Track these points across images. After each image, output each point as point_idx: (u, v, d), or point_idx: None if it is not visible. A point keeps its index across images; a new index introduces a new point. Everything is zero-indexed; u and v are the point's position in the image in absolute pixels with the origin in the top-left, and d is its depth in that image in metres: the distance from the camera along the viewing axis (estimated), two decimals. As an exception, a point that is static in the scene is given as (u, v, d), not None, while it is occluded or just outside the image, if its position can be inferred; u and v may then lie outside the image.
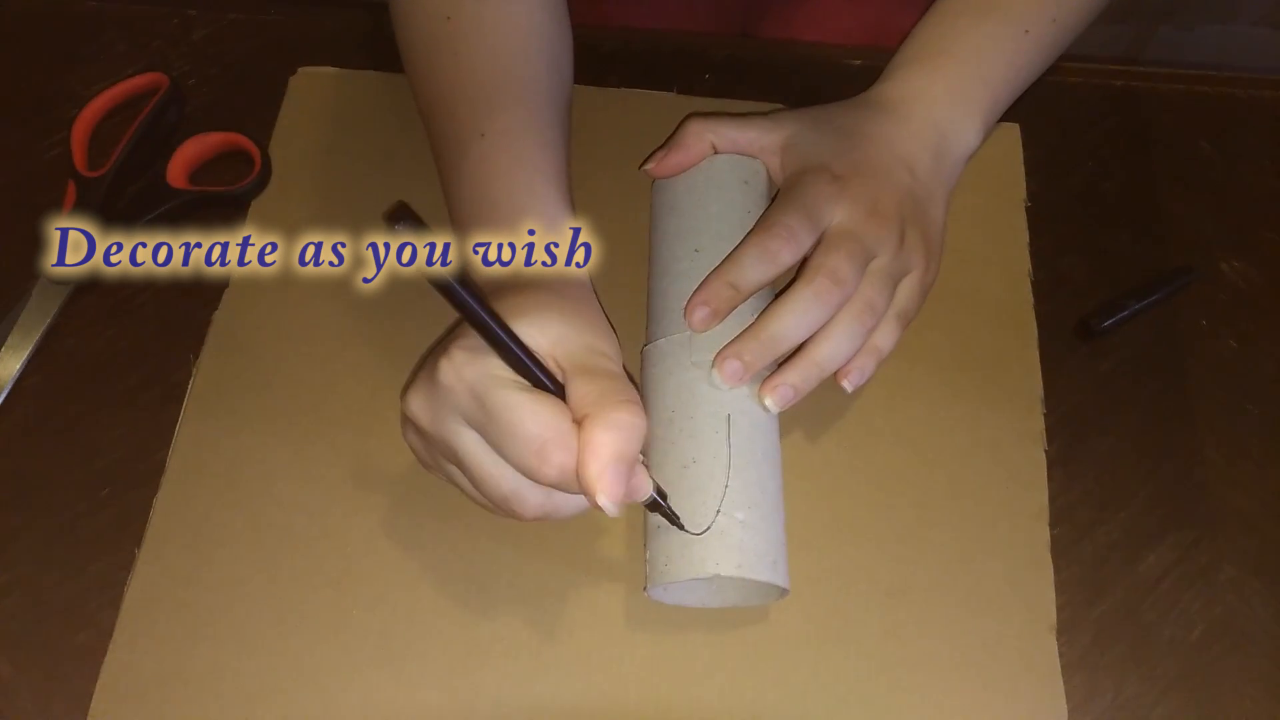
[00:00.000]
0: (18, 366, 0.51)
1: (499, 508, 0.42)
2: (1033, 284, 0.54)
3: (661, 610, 0.46)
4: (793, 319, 0.44)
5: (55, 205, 0.54)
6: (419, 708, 0.44)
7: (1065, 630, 0.46)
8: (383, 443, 0.49)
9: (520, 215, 0.46)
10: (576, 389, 0.39)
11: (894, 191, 0.47)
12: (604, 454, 0.37)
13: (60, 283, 0.52)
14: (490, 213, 0.47)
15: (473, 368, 0.39)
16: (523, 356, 0.38)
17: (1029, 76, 0.54)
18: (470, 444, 0.40)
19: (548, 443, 0.37)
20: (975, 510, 0.49)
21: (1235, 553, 0.48)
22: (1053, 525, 0.48)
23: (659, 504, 0.42)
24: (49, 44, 0.61)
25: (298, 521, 0.48)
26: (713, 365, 0.44)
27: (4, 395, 0.50)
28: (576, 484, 0.38)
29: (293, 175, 0.57)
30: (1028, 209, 0.57)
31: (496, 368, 0.39)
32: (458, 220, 0.49)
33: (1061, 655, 0.46)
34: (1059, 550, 0.48)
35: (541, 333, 0.40)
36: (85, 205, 0.54)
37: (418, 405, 0.41)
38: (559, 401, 0.39)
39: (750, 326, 0.45)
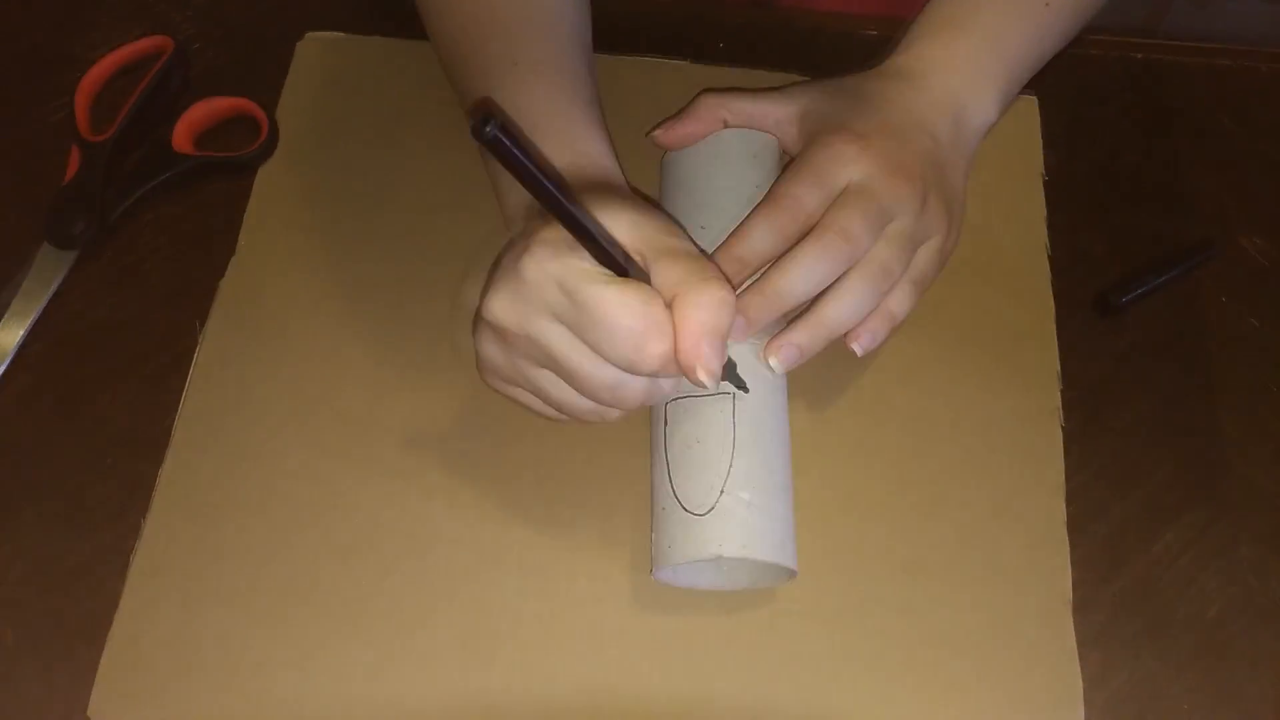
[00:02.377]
0: (21, 334, 0.50)
1: (600, 400, 0.41)
2: (1050, 259, 0.54)
3: (671, 591, 0.45)
4: (799, 273, 0.43)
5: (58, 170, 0.53)
6: (428, 680, 0.44)
7: (1081, 607, 0.46)
8: (392, 412, 0.49)
9: (560, 138, 0.46)
10: (662, 271, 0.39)
11: (917, 153, 0.46)
12: (697, 330, 0.37)
13: (64, 249, 0.52)
14: (533, 133, 0.46)
15: (557, 262, 0.38)
16: (605, 244, 0.37)
17: (1049, 49, 0.53)
18: (563, 340, 0.39)
19: (645, 333, 0.37)
20: (991, 486, 0.48)
21: (1254, 531, 0.48)
22: (1069, 502, 0.48)
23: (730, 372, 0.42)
24: (52, 6, 0.60)
25: (305, 491, 0.47)
26: None
27: (7, 363, 0.49)
28: (675, 368, 0.38)
29: (300, 142, 0.56)
30: (1045, 183, 0.56)
31: (580, 260, 0.38)
32: None
33: (1077, 632, 0.45)
34: (1075, 527, 0.47)
35: (616, 221, 0.39)
36: (89, 170, 0.53)
37: (501, 306, 0.39)
38: (648, 288, 0.38)
39: (755, 282, 0.44)
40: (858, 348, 0.45)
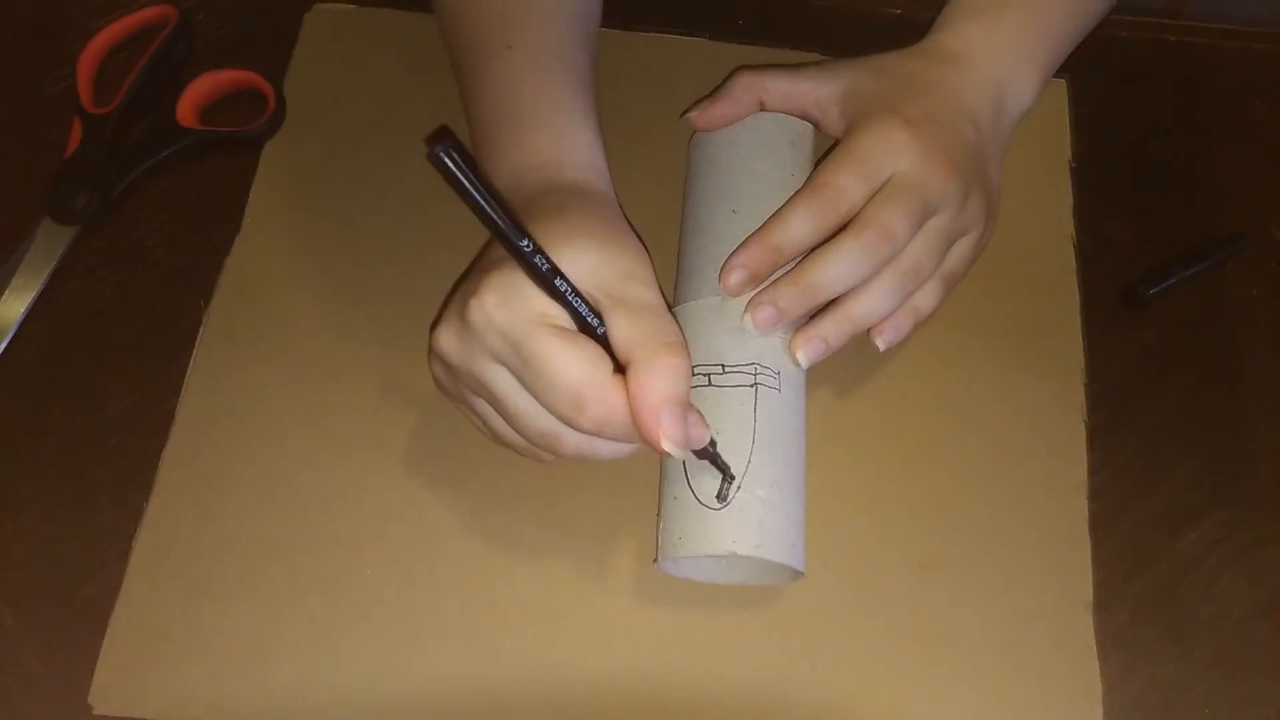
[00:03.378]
0: (22, 310, 0.49)
1: (534, 444, 0.40)
2: (1076, 248, 0.52)
3: (682, 584, 0.44)
4: (835, 269, 0.42)
5: (60, 143, 0.52)
6: (434, 670, 0.43)
7: (1101, 607, 0.45)
8: (399, 396, 0.48)
9: (547, 130, 0.44)
10: (619, 329, 0.38)
11: (962, 144, 0.45)
12: (655, 400, 0.36)
13: (66, 225, 0.50)
14: (515, 124, 0.45)
15: (505, 310, 0.37)
16: (569, 296, 0.37)
17: (1085, 29, 0.51)
18: (504, 384, 0.39)
19: (584, 394, 0.36)
20: (1011, 482, 0.47)
21: (1280, 532, 0.47)
22: (1091, 499, 0.47)
23: (711, 452, 0.40)
24: (53, -27, 0.59)
25: (311, 476, 0.46)
26: (745, 310, 0.42)
27: (8, 341, 0.48)
28: (614, 432, 0.37)
29: (308, 116, 0.54)
30: (1073, 169, 0.54)
31: (529, 309, 0.37)
32: (479, 134, 0.47)
33: (1097, 633, 0.44)
34: (1097, 525, 0.46)
35: (575, 263, 0.38)
36: (91, 143, 0.52)
37: (449, 341, 0.39)
38: (594, 347, 0.37)
39: (789, 272, 0.43)
40: (881, 342, 0.44)
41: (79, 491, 0.46)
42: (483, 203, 0.33)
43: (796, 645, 0.44)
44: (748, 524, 0.40)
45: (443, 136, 0.31)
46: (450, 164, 0.32)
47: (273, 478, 0.46)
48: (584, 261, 0.38)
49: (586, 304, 0.37)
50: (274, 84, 0.54)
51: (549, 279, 0.36)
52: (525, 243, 0.35)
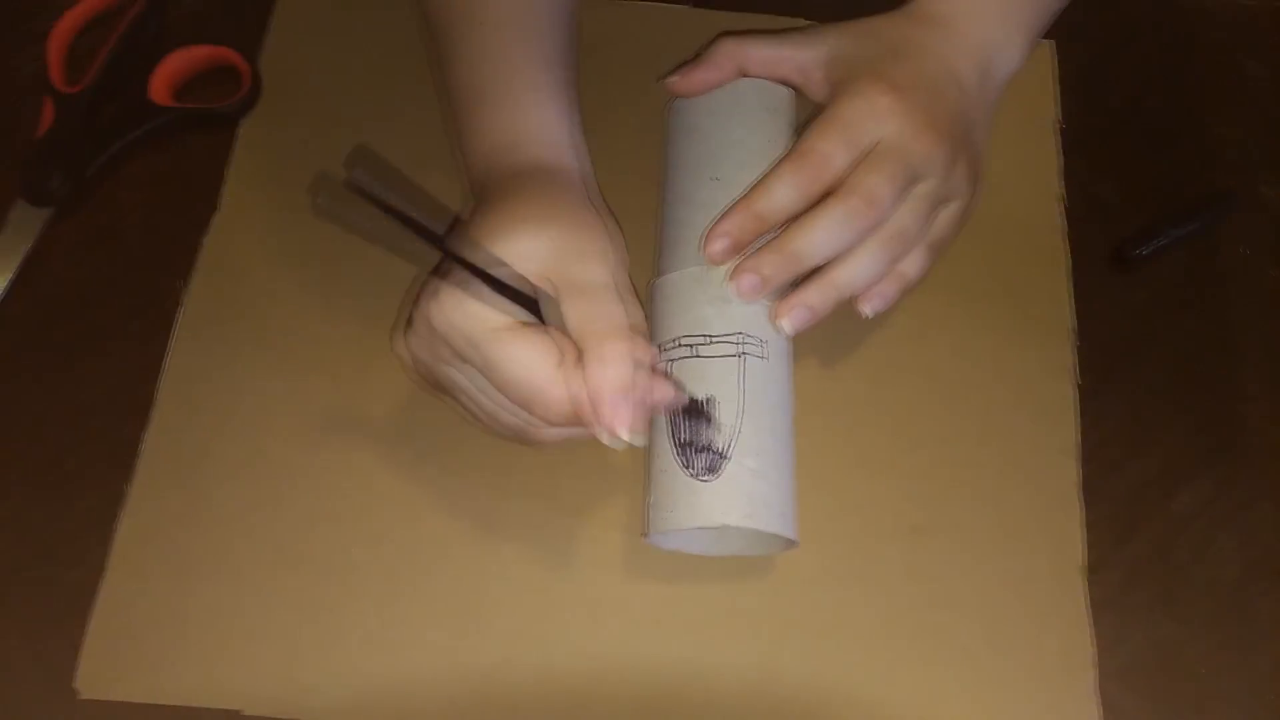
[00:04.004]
0: (-3, 294, 0.48)
1: (510, 438, 0.41)
2: (1065, 210, 0.52)
3: (671, 556, 0.44)
4: (820, 237, 0.41)
5: (31, 124, 0.51)
6: (422, 648, 0.43)
7: (1094, 570, 0.45)
8: (383, 374, 0.47)
9: (516, 107, 0.44)
10: (569, 315, 0.38)
11: (949, 109, 0.44)
12: (604, 389, 0.37)
13: (40, 206, 0.50)
14: (482, 104, 0.45)
15: (461, 312, 0.37)
16: (502, 285, 0.37)
17: None
18: (472, 385, 0.39)
19: (542, 392, 0.37)
20: (1002, 446, 0.47)
21: (1274, 489, 0.46)
22: (1083, 461, 0.46)
23: (694, 406, 0.40)
24: (21, -49, 0.58)
25: (295, 455, 0.46)
26: (728, 278, 0.42)
27: (-16, 324, 0.48)
28: (580, 421, 0.37)
29: (284, 92, 0.53)
30: (1061, 130, 0.54)
31: (483, 311, 0.37)
32: (455, 115, 0.47)
33: (1090, 596, 0.44)
34: (1089, 488, 0.46)
35: (530, 247, 0.38)
36: (64, 123, 0.51)
37: (416, 344, 0.41)
38: (544, 341, 0.38)
39: (773, 240, 0.42)
40: (867, 309, 0.44)
41: (60, 476, 0.46)
42: (404, 216, 0.34)
43: (788, 614, 0.43)
44: (738, 494, 0.39)
45: (357, 159, 0.32)
46: (367, 189, 0.32)
47: (255, 458, 0.46)
48: (539, 245, 0.39)
49: (529, 298, 0.38)
50: (249, 60, 0.53)
51: (490, 277, 0.36)
52: (452, 248, 0.36)
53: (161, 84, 0.52)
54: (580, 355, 0.38)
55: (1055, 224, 0.51)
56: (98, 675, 0.42)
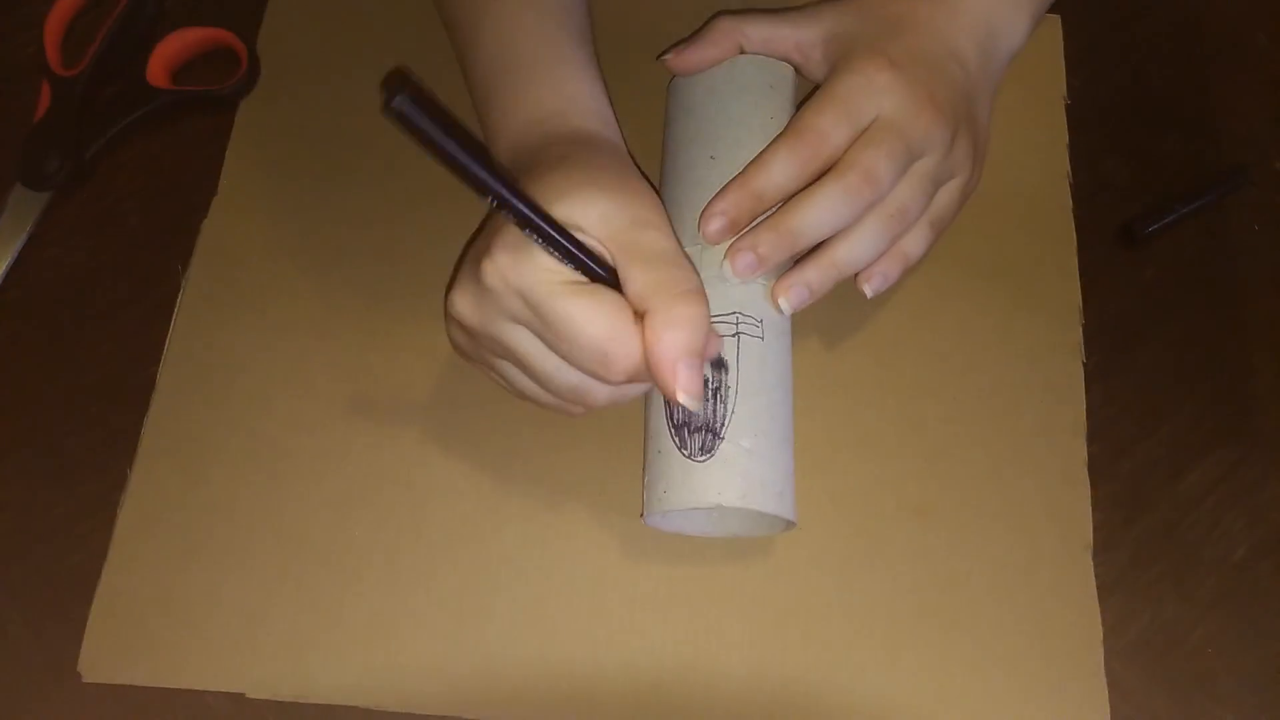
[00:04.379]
0: (-3, 279, 0.48)
1: (565, 399, 0.40)
2: (1072, 187, 0.51)
3: (674, 539, 0.43)
4: (817, 214, 0.41)
5: (29, 107, 0.51)
6: (425, 631, 0.43)
7: (1102, 550, 0.44)
8: (384, 356, 0.47)
9: (549, 78, 0.43)
10: (633, 279, 0.37)
11: (949, 85, 0.43)
12: (673, 353, 0.36)
13: (38, 190, 0.49)
14: (515, 76, 0.44)
15: (518, 270, 0.36)
16: (572, 248, 0.36)
17: None
18: (527, 344, 0.38)
19: (609, 348, 0.36)
20: (1008, 425, 0.46)
21: (1283, 469, 0.46)
22: (1090, 441, 0.46)
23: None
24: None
25: (296, 439, 0.46)
26: (724, 257, 0.41)
27: (-16, 309, 0.48)
28: (643, 378, 0.37)
29: (282, 74, 0.53)
30: (1068, 106, 0.53)
31: (543, 267, 0.36)
32: (478, 88, 0.46)
33: (1097, 576, 0.44)
34: (1097, 467, 0.45)
35: (584, 214, 0.37)
36: (61, 107, 0.50)
37: (464, 307, 0.39)
38: (614, 297, 0.36)
39: (770, 217, 0.42)
40: (868, 289, 0.43)
41: (62, 461, 0.46)
42: (461, 159, 0.31)
43: (791, 596, 0.43)
44: (733, 475, 0.39)
45: (401, 84, 0.28)
46: (415, 117, 0.28)
47: (257, 441, 0.46)
48: (593, 210, 0.37)
49: (594, 257, 0.37)
50: (246, 41, 0.53)
51: (550, 233, 0.35)
52: (517, 199, 0.34)
53: (159, 66, 0.52)
54: (645, 317, 0.37)
55: (1062, 201, 0.51)
56: (101, 659, 0.42)
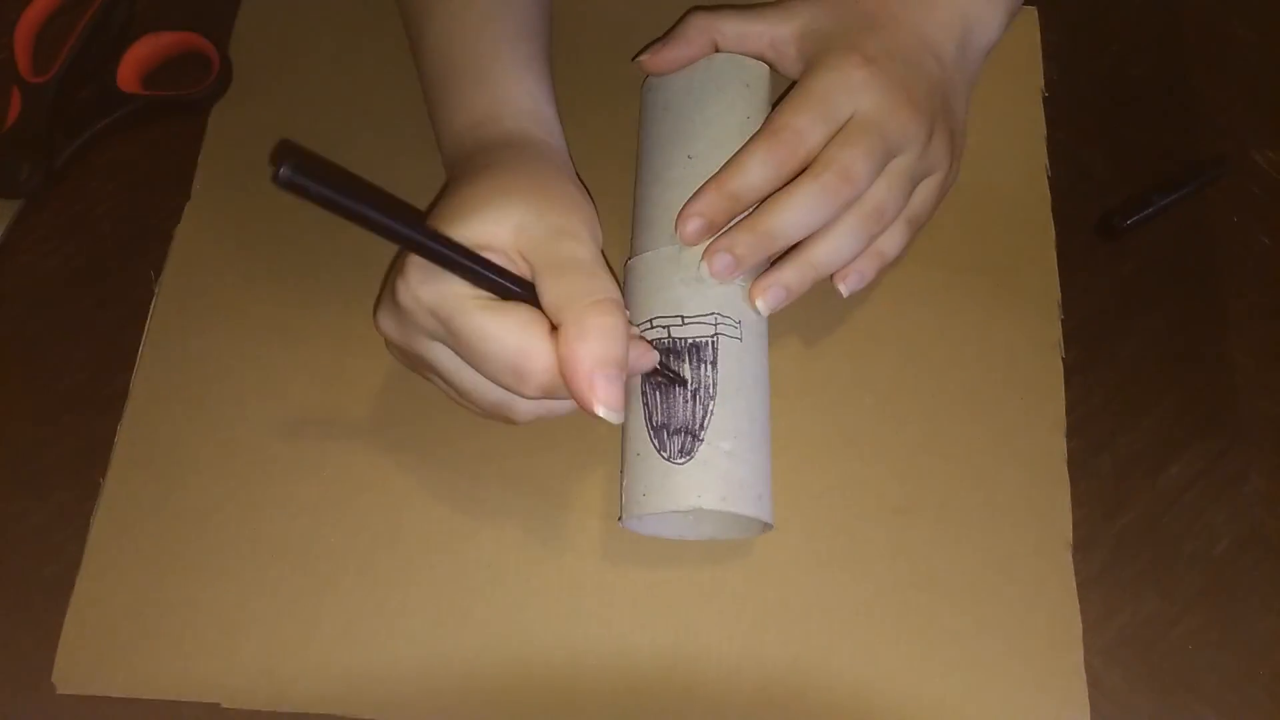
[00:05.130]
0: (-31, 288, 0.48)
1: (491, 415, 0.40)
2: (1050, 180, 0.51)
3: (652, 541, 0.43)
4: (794, 214, 0.41)
5: (-1, 114, 0.51)
6: (402, 636, 0.42)
7: (1082, 546, 0.44)
8: (359, 362, 0.47)
9: (482, 80, 0.43)
10: (546, 290, 0.36)
11: (925, 81, 0.43)
12: (586, 364, 0.35)
13: (9, 198, 0.49)
14: (453, 82, 0.44)
15: (428, 288, 0.36)
16: (482, 272, 0.36)
17: None
18: (446, 360, 0.38)
19: (520, 362, 0.35)
20: (988, 423, 0.46)
21: (1264, 462, 0.46)
22: (1070, 437, 0.46)
23: (663, 369, 0.39)
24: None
25: (271, 445, 0.45)
26: (702, 258, 0.41)
27: (-45, 318, 0.47)
28: (561, 393, 0.36)
29: (255, 78, 0.53)
30: (1045, 99, 0.52)
31: (454, 282, 0.36)
32: (426, 91, 0.46)
33: (1078, 572, 0.43)
34: (1077, 463, 0.45)
35: (499, 226, 0.37)
36: (32, 113, 0.50)
37: (387, 325, 0.40)
38: (527, 311, 0.36)
39: (746, 218, 0.41)
40: (844, 288, 0.43)
41: (34, 470, 0.45)
42: (354, 209, 0.31)
43: (770, 598, 0.43)
44: (712, 477, 0.39)
45: (286, 154, 0.29)
46: (302, 183, 0.29)
47: (231, 448, 0.45)
48: (508, 221, 0.37)
49: (506, 275, 0.36)
50: (218, 45, 0.52)
51: (459, 262, 0.35)
52: (419, 237, 0.34)
53: (130, 72, 0.52)
54: (558, 329, 0.36)
55: (1040, 195, 0.50)
56: (75, 670, 0.42)
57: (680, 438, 0.39)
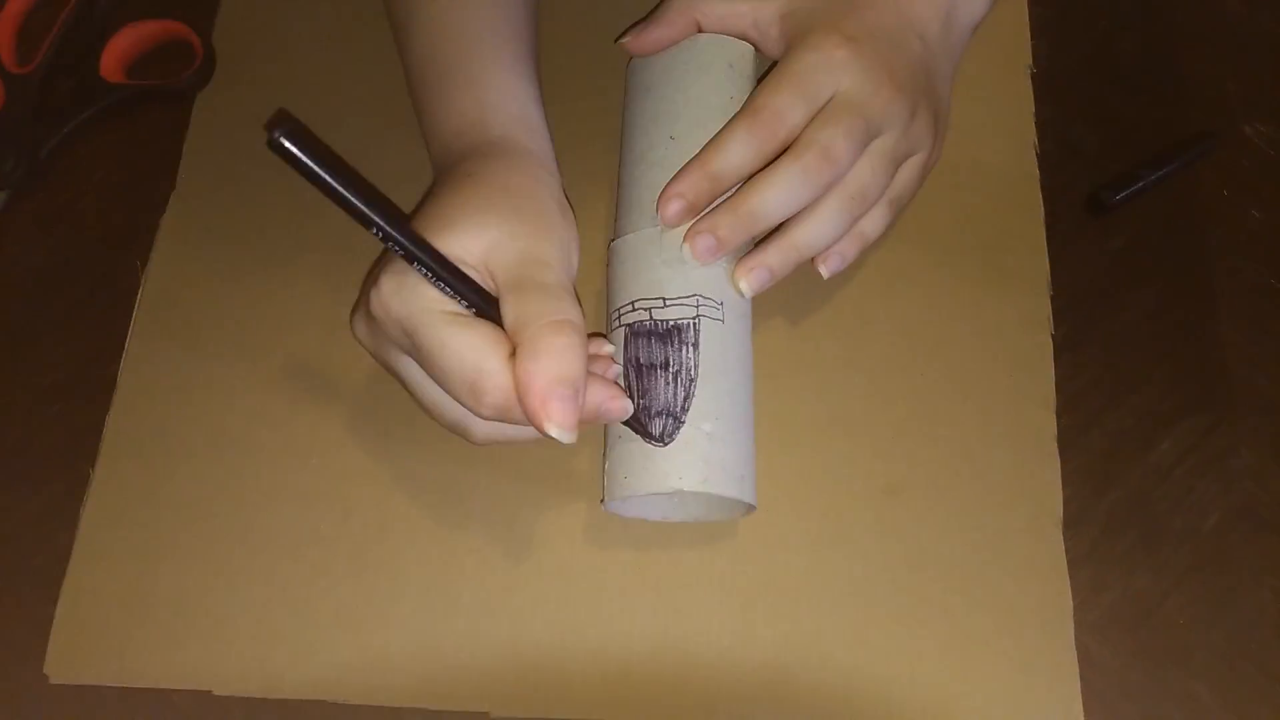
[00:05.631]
0: (-45, 280, 0.48)
1: (450, 430, 0.40)
2: (1038, 156, 0.50)
3: (639, 524, 0.43)
4: (775, 195, 0.40)
5: (-18, 106, 0.50)
6: (393, 622, 0.42)
7: (1072, 523, 0.44)
8: (346, 349, 0.46)
9: (469, 83, 0.43)
10: (508, 310, 0.36)
11: (908, 60, 0.43)
12: (539, 384, 0.35)
13: (-7, 190, 0.49)
14: (439, 84, 0.43)
15: (398, 300, 0.36)
16: (454, 281, 0.36)
17: None
18: (411, 373, 0.39)
19: (478, 382, 0.35)
20: (977, 401, 0.46)
21: (1254, 437, 0.45)
22: (1060, 414, 0.45)
23: (634, 422, 0.39)
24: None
25: (259, 434, 0.45)
26: (684, 240, 0.41)
27: (-57, 311, 0.47)
28: (517, 417, 0.36)
29: (239, 66, 0.53)
30: (1033, 75, 0.52)
31: (425, 296, 0.36)
32: (412, 91, 0.46)
33: (1068, 549, 0.43)
34: (1067, 440, 0.45)
35: (473, 243, 0.37)
36: (15, 104, 0.50)
37: (360, 333, 0.41)
38: (490, 330, 0.36)
39: (728, 199, 0.41)
40: (825, 270, 0.43)
41: (25, 461, 0.45)
42: (337, 187, 0.32)
43: (759, 579, 0.43)
44: (693, 459, 0.39)
45: (281, 120, 0.30)
46: (294, 150, 0.29)
47: (220, 437, 0.45)
48: (482, 239, 0.37)
49: (476, 289, 0.36)
50: (201, 33, 0.52)
51: (432, 266, 0.35)
52: (397, 233, 0.34)
53: (113, 61, 0.52)
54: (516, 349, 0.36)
55: (1029, 171, 0.50)
56: (67, 659, 0.42)
57: (661, 420, 0.39)
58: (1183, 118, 0.51)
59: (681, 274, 0.41)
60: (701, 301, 0.41)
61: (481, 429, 0.39)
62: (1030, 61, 0.52)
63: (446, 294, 0.36)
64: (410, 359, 0.38)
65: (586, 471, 0.44)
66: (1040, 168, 0.50)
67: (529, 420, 0.35)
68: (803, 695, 0.41)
